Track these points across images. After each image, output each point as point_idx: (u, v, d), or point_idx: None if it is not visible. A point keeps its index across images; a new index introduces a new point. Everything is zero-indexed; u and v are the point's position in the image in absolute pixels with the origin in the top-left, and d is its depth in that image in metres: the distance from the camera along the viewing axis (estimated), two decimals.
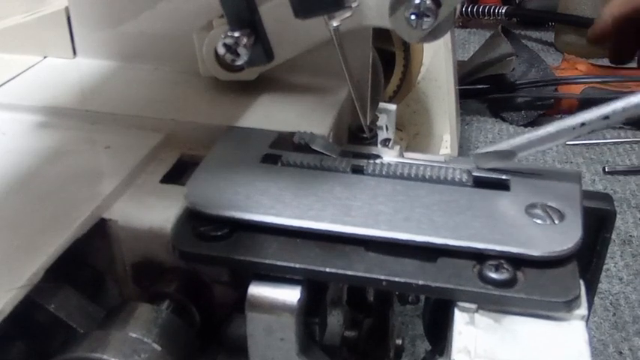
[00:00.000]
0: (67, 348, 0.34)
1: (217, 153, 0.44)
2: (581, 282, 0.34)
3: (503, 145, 0.40)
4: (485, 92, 1.56)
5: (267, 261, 0.35)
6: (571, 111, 1.38)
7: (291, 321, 0.35)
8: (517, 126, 1.42)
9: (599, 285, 0.93)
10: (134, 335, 0.35)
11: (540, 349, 0.32)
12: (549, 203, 0.38)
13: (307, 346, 0.37)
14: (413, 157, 0.44)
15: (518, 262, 0.34)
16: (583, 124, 0.37)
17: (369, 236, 0.36)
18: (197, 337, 0.38)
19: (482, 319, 0.33)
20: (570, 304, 0.33)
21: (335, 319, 0.45)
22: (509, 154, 0.40)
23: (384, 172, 0.41)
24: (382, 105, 0.70)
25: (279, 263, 0.35)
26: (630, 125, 1.39)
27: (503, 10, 1.81)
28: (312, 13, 0.38)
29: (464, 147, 1.32)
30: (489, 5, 1.83)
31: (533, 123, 1.41)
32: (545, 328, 0.33)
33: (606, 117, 0.36)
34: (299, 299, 0.35)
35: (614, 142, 1.34)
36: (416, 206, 0.38)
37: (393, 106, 0.73)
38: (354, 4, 0.39)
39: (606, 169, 1.25)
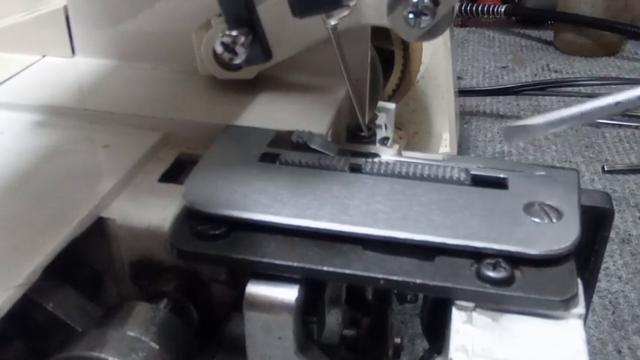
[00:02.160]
0: (65, 347, 0.34)
1: (215, 152, 0.44)
2: (579, 281, 0.34)
3: (534, 120, 0.39)
4: (485, 92, 1.56)
5: (264, 260, 0.35)
6: None
7: (289, 320, 0.35)
8: None
9: (599, 284, 0.94)
10: (132, 334, 0.35)
11: (538, 348, 0.32)
12: (547, 202, 0.38)
13: (305, 345, 0.37)
14: (411, 156, 0.44)
15: (515, 260, 0.34)
16: (618, 103, 0.37)
17: (367, 235, 0.36)
18: (195, 336, 0.38)
19: (480, 317, 0.33)
20: (568, 303, 0.33)
21: (334, 318, 0.45)
22: (537, 127, 0.39)
23: (382, 171, 0.41)
24: (381, 104, 0.70)
25: (276, 262, 0.35)
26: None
27: (503, 9, 1.81)
28: (310, 12, 0.38)
29: (463, 146, 1.32)
30: (488, 4, 1.83)
31: None
32: (542, 327, 0.33)
33: None
34: (297, 298, 0.35)
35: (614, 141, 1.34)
36: (414, 205, 0.38)
37: (392, 105, 0.73)
38: (351, 3, 0.39)
39: (605, 168, 1.25)
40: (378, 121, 0.67)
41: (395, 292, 0.48)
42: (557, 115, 0.39)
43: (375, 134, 0.51)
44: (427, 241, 0.35)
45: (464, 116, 1.45)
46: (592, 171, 1.25)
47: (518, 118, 1.46)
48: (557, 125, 0.39)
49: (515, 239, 0.35)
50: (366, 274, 0.34)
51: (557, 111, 0.39)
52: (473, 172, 0.41)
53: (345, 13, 0.39)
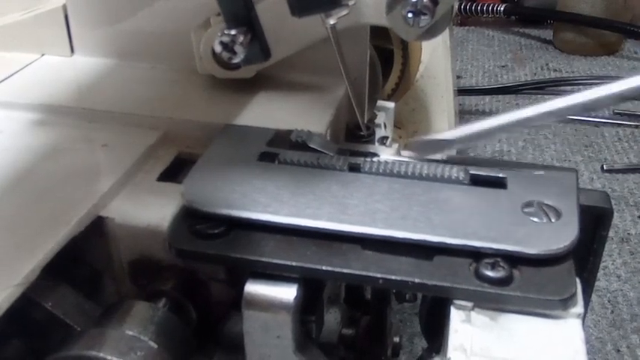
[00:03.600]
0: (63, 346, 0.34)
1: (214, 151, 0.44)
2: (578, 280, 0.34)
3: (446, 135, 0.39)
4: (484, 91, 1.56)
5: (263, 259, 0.35)
6: None
7: (288, 319, 0.35)
8: None
9: (597, 283, 0.93)
10: (131, 333, 0.35)
11: (536, 347, 0.32)
12: (546, 201, 0.38)
13: (304, 344, 0.37)
14: (410, 155, 0.44)
15: (514, 260, 0.34)
16: (530, 118, 0.37)
17: (365, 234, 0.36)
18: (194, 335, 0.38)
19: (479, 317, 0.33)
20: (566, 302, 0.33)
21: (332, 317, 0.45)
22: (446, 143, 0.39)
23: (381, 171, 0.41)
24: (380, 103, 0.70)
25: (275, 261, 0.35)
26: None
27: (502, 8, 1.81)
28: (309, 12, 0.38)
29: None
30: (488, 3, 1.83)
31: None
32: (541, 326, 0.33)
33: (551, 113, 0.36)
34: (295, 297, 0.35)
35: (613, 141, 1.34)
36: (413, 204, 0.38)
37: (391, 104, 0.73)
38: (350, 3, 0.39)
39: (604, 168, 1.25)
40: (377, 120, 0.67)
41: (394, 291, 0.48)
42: (474, 128, 0.39)
43: (374, 133, 0.51)
44: (426, 241, 0.35)
45: (463, 115, 1.45)
46: (591, 170, 1.25)
47: None
48: (474, 139, 0.39)
49: (513, 239, 0.35)
50: (364, 273, 0.34)
51: (475, 124, 0.39)
52: (472, 172, 0.41)
53: (344, 12, 0.39)
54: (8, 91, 0.53)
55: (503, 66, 1.74)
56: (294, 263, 0.35)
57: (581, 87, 1.53)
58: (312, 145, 0.43)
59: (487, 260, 0.34)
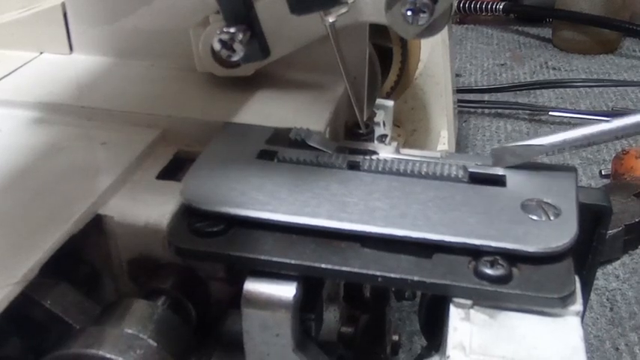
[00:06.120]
0: (62, 344, 0.34)
1: (213, 149, 0.44)
2: (577, 278, 0.34)
3: (534, 142, 0.39)
4: (482, 92, 1.56)
5: (262, 257, 0.35)
6: None
7: (287, 317, 0.35)
8: None
9: (596, 282, 0.93)
10: (130, 331, 0.35)
11: (535, 345, 0.32)
12: (545, 199, 0.38)
13: (303, 342, 0.37)
14: (409, 154, 0.44)
15: (513, 258, 0.34)
16: (621, 128, 0.37)
17: (364, 232, 0.36)
18: (193, 333, 0.38)
19: (478, 315, 0.33)
20: (565, 300, 0.33)
21: (332, 315, 0.45)
22: (531, 150, 0.39)
23: (380, 169, 0.41)
24: (379, 101, 0.70)
25: (274, 259, 0.35)
26: None
27: (501, 6, 1.80)
28: (308, 10, 0.38)
29: (461, 144, 1.32)
30: (487, 1, 1.83)
31: None
32: (540, 324, 0.33)
33: None
34: (294, 295, 0.35)
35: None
36: (412, 202, 0.38)
37: (390, 103, 0.73)
38: (350, 0, 0.39)
39: (603, 173, 1.23)
40: (376, 119, 0.67)
41: (393, 289, 0.48)
42: (557, 137, 0.39)
43: (373, 132, 0.51)
44: (425, 239, 0.35)
45: (462, 114, 1.45)
46: (589, 175, 1.25)
47: (517, 117, 1.46)
48: (555, 148, 0.39)
49: (513, 237, 0.35)
50: (363, 271, 0.34)
51: (557, 134, 0.39)
52: (471, 170, 0.41)
53: (343, 10, 0.39)
54: (7, 89, 0.53)
55: (502, 64, 1.74)
56: (293, 261, 0.35)
57: (581, 89, 1.53)
58: (311, 143, 0.43)
59: (486, 258, 0.34)
